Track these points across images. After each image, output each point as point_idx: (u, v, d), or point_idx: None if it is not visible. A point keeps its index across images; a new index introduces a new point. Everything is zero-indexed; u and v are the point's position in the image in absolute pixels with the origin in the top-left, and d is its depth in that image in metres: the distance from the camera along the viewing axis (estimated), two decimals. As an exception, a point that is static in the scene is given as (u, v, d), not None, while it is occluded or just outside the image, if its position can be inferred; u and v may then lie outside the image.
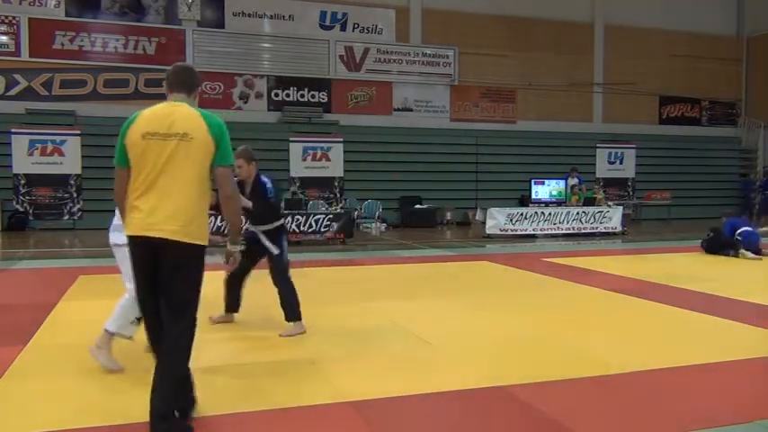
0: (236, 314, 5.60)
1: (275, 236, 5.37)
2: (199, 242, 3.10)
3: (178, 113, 3.12)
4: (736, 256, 10.37)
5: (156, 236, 3.01)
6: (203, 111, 3.19)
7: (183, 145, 3.06)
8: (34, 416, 3.36)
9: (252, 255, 5.29)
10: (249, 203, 5.14)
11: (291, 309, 5.21)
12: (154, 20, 17.07)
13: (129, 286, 4.20)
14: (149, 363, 4.37)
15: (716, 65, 21.91)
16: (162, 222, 3.01)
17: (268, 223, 5.33)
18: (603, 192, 17.02)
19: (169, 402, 3.02)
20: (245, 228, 5.29)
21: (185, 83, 3.28)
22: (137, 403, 3.57)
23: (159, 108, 3.17)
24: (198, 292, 3.16)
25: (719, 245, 10.72)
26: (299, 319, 5.21)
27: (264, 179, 5.30)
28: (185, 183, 3.07)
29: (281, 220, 5.54)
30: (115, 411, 3.36)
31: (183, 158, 3.06)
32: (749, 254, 10.37)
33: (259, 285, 5.61)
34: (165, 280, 3.07)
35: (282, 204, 13.19)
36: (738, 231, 10.70)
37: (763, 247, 10.73)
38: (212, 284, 5.04)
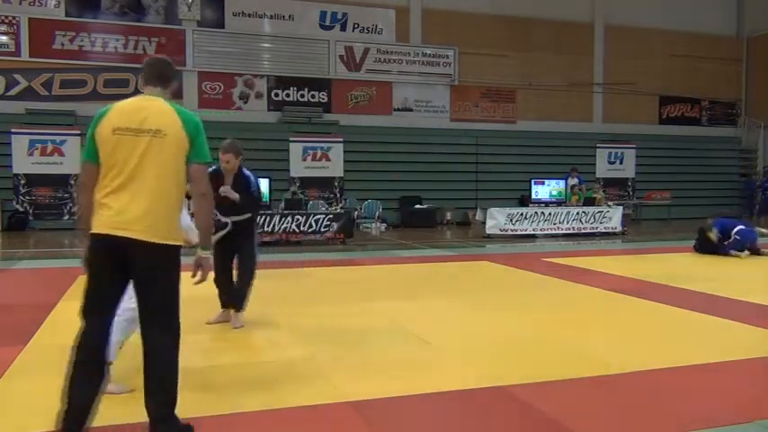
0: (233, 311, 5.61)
1: (249, 227, 5.49)
2: (172, 242, 2.97)
3: (152, 108, 2.99)
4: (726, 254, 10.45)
5: (126, 236, 2.86)
6: (178, 106, 3.06)
7: (156, 141, 2.93)
8: (34, 416, 3.36)
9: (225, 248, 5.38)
10: (237, 195, 5.27)
11: (244, 301, 5.48)
12: (154, 20, 17.08)
13: (130, 305, 4.19)
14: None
15: (716, 65, 21.91)
16: (133, 222, 2.88)
17: (242, 214, 5.40)
18: (604, 192, 17.00)
19: (167, 406, 2.99)
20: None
21: (160, 76, 3.15)
22: (138, 403, 3.57)
23: (132, 102, 3.05)
24: (177, 292, 3.04)
25: (712, 246, 10.75)
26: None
27: (247, 172, 5.48)
28: (158, 180, 2.94)
29: (256, 215, 5.70)
30: (116, 411, 3.36)
31: (155, 155, 2.93)
32: (741, 254, 10.41)
33: (254, 284, 5.61)
34: (141, 284, 2.95)
35: (283, 204, 13.26)
36: (735, 230, 10.69)
37: (762, 246, 10.72)
38: (208, 285, 5.03)
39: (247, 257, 5.49)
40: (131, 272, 2.94)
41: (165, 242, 2.94)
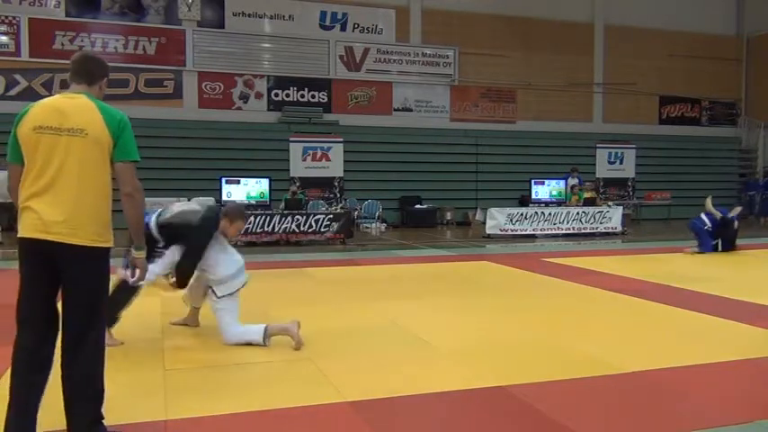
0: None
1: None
2: (98, 244, 2.90)
3: (72, 106, 2.91)
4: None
5: (51, 239, 2.81)
6: (102, 103, 2.97)
7: (77, 141, 2.85)
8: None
9: None
10: None
11: None
12: (154, 20, 17.07)
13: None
14: (153, 362, 4.38)
15: (716, 65, 21.90)
16: (56, 225, 2.81)
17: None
18: (600, 193, 16.95)
19: (93, 412, 2.93)
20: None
21: (85, 73, 3.05)
22: (139, 403, 3.58)
23: (54, 100, 2.97)
24: (103, 294, 3.02)
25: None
26: None
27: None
28: (81, 181, 2.86)
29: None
30: (116, 411, 3.35)
31: (77, 155, 2.85)
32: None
33: (253, 284, 5.60)
34: (67, 286, 2.90)
35: (283, 205, 13.27)
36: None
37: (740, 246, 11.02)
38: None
39: None
40: (58, 278, 2.89)
41: (90, 244, 2.87)
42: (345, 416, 3.43)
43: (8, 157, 2.96)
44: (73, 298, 2.90)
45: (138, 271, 3.23)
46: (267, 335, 4.76)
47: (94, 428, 2.94)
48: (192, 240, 4.74)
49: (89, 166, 2.88)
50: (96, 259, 2.93)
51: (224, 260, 4.87)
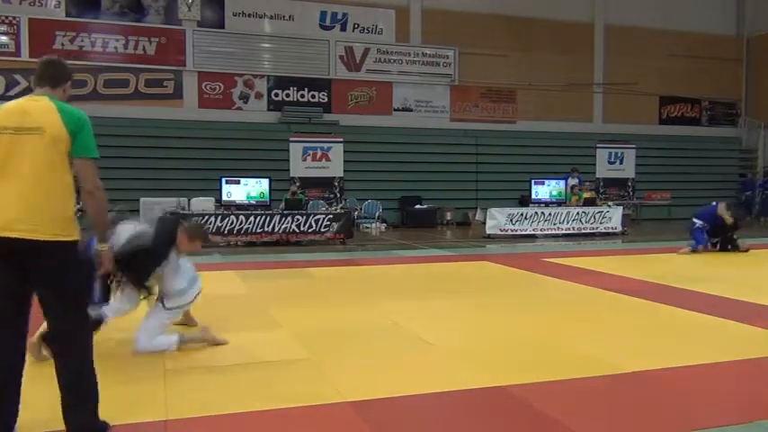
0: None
1: None
2: (61, 238, 2.92)
3: (32, 107, 3.01)
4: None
5: (14, 236, 2.84)
6: (61, 104, 3.06)
7: (36, 139, 2.92)
8: (36, 415, 3.36)
9: None
10: None
11: None
12: (154, 20, 17.06)
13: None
14: (153, 362, 4.38)
15: (716, 65, 21.90)
16: (18, 222, 2.85)
17: None
18: (600, 193, 16.94)
19: (87, 414, 2.97)
20: None
21: (49, 76, 3.16)
22: (139, 403, 3.58)
23: (16, 102, 3.08)
24: (79, 288, 3.05)
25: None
26: None
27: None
28: (39, 179, 2.91)
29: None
30: (116, 411, 3.36)
31: (35, 153, 2.91)
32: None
33: (253, 284, 5.60)
34: (39, 285, 2.93)
35: (283, 205, 13.28)
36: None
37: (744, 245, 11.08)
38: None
39: None
40: (30, 280, 2.91)
41: (53, 239, 2.90)
42: (345, 416, 3.43)
43: None
44: (47, 296, 2.94)
45: (103, 263, 3.27)
46: (180, 343, 4.63)
47: (95, 428, 2.95)
48: (143, 264, 4.52)
49: (47, 164, 2.94)
50: (62, 253, 2.94)
51: (174, 276, 4.72)
